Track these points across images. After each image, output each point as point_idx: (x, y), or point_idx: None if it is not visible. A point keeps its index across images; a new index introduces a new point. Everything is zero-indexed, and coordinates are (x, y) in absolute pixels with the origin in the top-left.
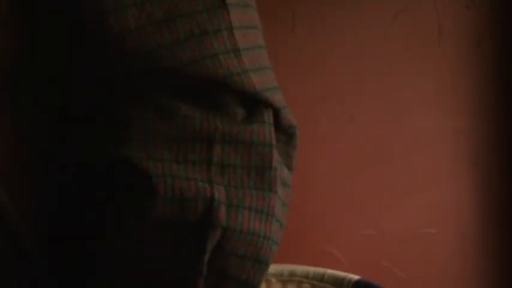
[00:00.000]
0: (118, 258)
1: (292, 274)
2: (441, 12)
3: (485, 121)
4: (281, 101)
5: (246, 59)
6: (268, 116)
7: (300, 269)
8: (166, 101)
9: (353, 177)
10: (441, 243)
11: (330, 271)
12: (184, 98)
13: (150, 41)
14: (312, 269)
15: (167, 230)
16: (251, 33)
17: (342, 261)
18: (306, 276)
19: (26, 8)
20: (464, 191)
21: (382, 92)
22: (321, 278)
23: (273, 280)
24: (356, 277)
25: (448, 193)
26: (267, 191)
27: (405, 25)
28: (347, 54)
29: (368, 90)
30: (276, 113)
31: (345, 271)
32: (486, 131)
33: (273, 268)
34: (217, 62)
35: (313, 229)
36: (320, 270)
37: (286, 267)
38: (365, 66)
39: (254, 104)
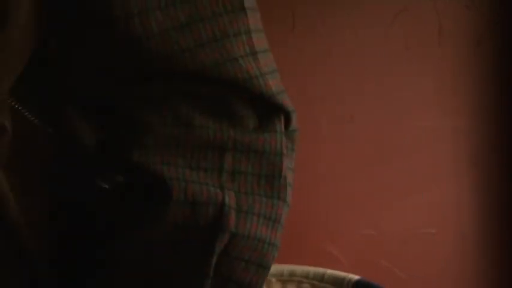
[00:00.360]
0: (126, 259)
1: (292, 274)
2: (441, 12)
3: (485, 121)
4: (290, 104)
5: (262, 62)
6: (280, 125)
7: (300, 269)
8: (184, 109)
9: (353, 177)
10: (441, 243)
11: (330, 271)
12: (199, 107)
13: (173, 45)
14: (312, 269)
15: (178, 233)
16: (261, 36)
17: (342, 261)
18: (306, 276)
19: (46, 8)
20: (464, 191)
21: (382, 92)
22: (321, 278)
23: (273, 280)
24: (356, 277)
25: (448, 193)
26: (276, 198)
27: (405, 25)
28: (347, 54)
29: (368, 90)
30: (287, 116)
31: (345, 271)
32: (486, 131)
33: (273, 268)
34: (237, 65)
35: (313, 229)
36: (320, 270)
37: (286, 267)
38: (365, 66)
39: (267, 110)
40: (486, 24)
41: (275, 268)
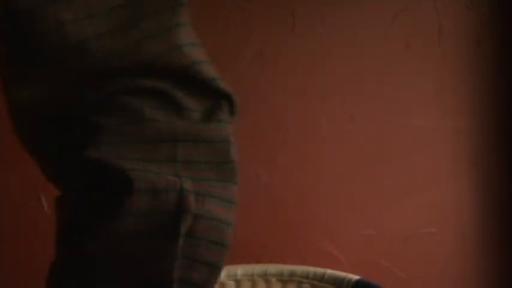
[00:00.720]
0: (96, 255)
1: (292, 274)
2: (441, 12)
3: (485, 121)
4: (230, 88)
5: (200, 52)
6: (224, 115)
7: (300, 269)
8: (133, 106)
9: (353, 177)
10: (441, 243)
11: (329, 271)
12: (148, 103)
13: (121, 41)
14: (312, 269)
15: (143, 222)
16: (193, 31)
17: (342, 261)
18: (306, 276)
19: None
20: (464, 191)
21: (382, 92)
22: (321, 278)
23: (273, 280)
24: (356, 277)
25: (448, 193)
26: (228, 182)
27: (405, 25)
28: (347, 54)
29: (368, 90)
30: (231, 100)
31: (345, 271)
32: (486, 131)
33: (273, 268)
34: (181, 53)
35: (313, 229)
36: (320, 270)
37: (286, 267)
38: (365, 66)
39: (211, 102)
40: (486, 24)
41: (275, 268)
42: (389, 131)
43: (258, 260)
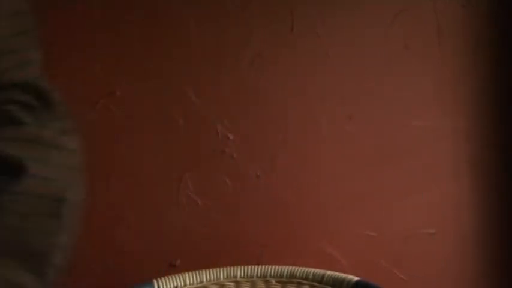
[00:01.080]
0: None
1: (292, 275)
2: (440, 12)
3: (485, 121)
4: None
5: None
6: (50, 122)
7: (300, 270)
8: (10, 113)
9: (353, 177)
10: (441, 243)
11: (329, 272)
12: (20, 112)
13: None
14: (311, 270)
15: (34, 201)
16: (39, 50)
17: (342, 262)
18: (306, 277)
19: None
20: (464, 191)
21: (382, 92)
22: (321, 279)
23: (273, 281)
24: (355, 278)
25: (448, 193)
26: (78, 183)
27: (405, 25)
28: (347, 54)
29: (368, 90)
30: (62, 107)
31: (345, 271)
32: (486, 131)
33: (273, 269)
34: (24, 70)
35: (313, 230)
36: (319, 271)
37: (286, 269)
38: (365, 66)
39: (41, 112)
40: (485, 24)
41: (275, 269)
42: (389, 131)
43: (258, 260)
